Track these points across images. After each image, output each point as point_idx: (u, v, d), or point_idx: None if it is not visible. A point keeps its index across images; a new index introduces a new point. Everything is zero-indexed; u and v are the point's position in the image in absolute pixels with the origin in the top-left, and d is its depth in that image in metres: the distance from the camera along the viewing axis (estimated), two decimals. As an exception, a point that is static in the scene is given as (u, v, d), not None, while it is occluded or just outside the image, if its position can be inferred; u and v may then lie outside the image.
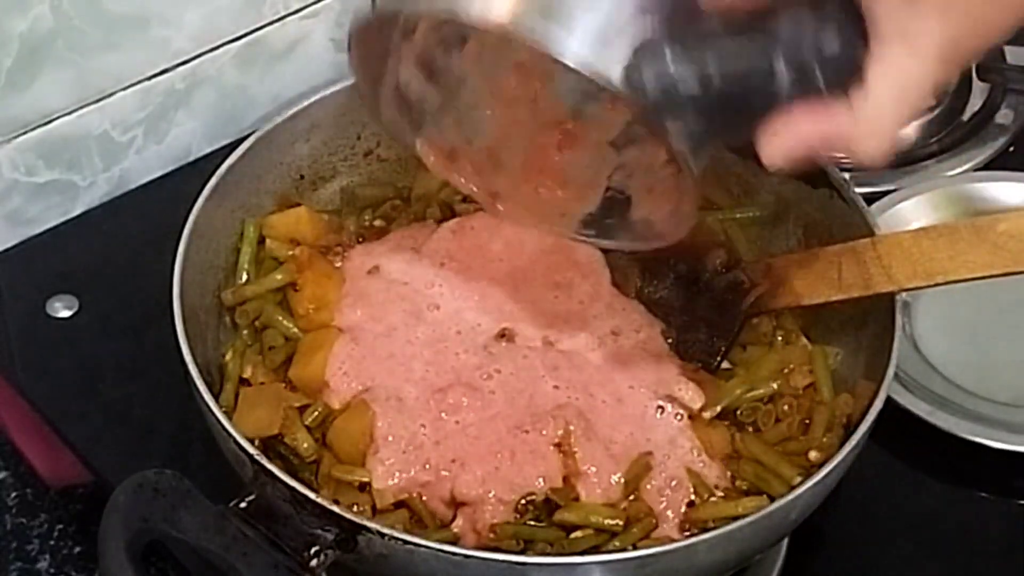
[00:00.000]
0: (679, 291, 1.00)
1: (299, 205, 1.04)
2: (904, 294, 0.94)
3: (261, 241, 1.02)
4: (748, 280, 0.98)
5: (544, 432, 0.92)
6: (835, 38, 0.72)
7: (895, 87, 0.71)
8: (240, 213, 1.01)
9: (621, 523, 0.89)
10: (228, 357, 0.97)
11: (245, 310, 0.99)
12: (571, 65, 0.75)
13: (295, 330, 0.98)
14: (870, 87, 0.71)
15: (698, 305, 0.99)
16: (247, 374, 0.96)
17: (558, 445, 0.91)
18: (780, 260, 0.98)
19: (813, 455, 0.92)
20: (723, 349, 0.98)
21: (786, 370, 0.97)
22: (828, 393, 0.96)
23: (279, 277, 0.99)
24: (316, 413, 0.94)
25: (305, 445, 0.92)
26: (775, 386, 0.96)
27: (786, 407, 0.95)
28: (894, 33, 0.70)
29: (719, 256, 1.00)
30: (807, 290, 0.96)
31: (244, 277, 1.00)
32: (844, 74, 0.73)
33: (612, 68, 0.75)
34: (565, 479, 0.91)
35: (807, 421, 0.95)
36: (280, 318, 0.98)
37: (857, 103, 0.72)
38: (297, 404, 0.94)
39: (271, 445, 0.92)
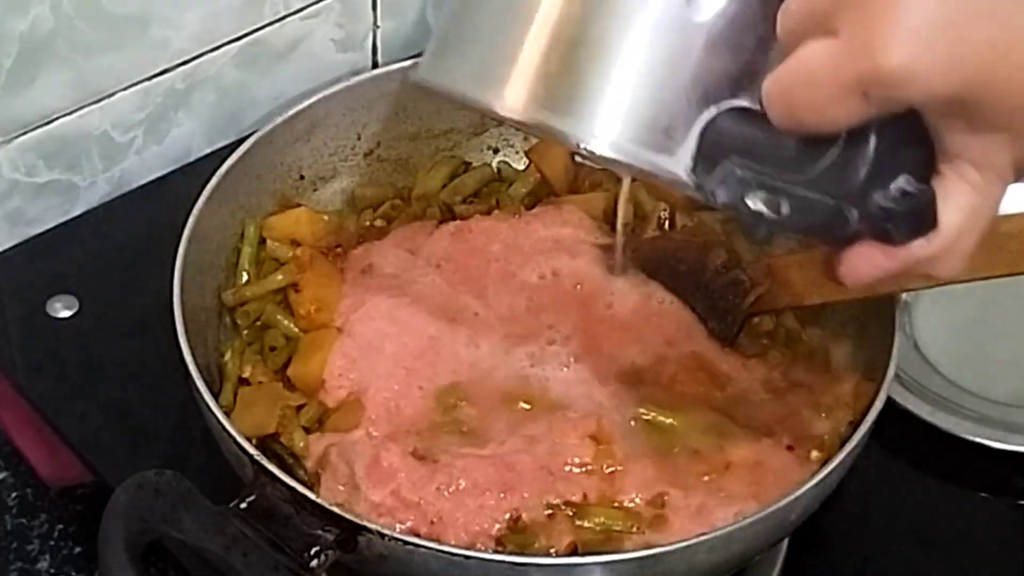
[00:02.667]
0: (680, 290, 1.00)
1: (299, 206, 1.04)
2: (904, 294, 0.94)
3: (262, 242, 1.02)
4: (748, 280, 0.98)
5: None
6: (910, 190, 0.69)
7: (967, 213, 0.70)
8: (240, 213, 1.01)
9: (634, 525, 0.89)
10: (228, 357, 0.97)
11: (246, 311, 0.99)
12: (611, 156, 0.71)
13: (296, 330, 0.98)
14: (944, 220, 0.71)
15: (698, 305, 0.99)
16: (246, 374, 0.96)
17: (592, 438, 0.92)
18: (780, 260, 0.98)
19: (813, 455, 0.92)
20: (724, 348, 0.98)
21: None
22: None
23: (280, 278, 0.99)
24: (311, 412, 0.94)
25: (301, 444, 0.92)
26: (775, 386, 0.97)
27: (786, 407, 0.96)
28: (965, 163, 0.69)
29: (719, 256, 1.00)
30: (807, 290, 0.96)
31: (244, 278, 1.00)
32: (918, 225, 0.70)
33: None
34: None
35: (807, 421, 0.95)
36: (281, 318, 0.98)
37: (932, 236, 0.71)
38: (295, 404, 0.94)
39: (268, 444, 0.92)
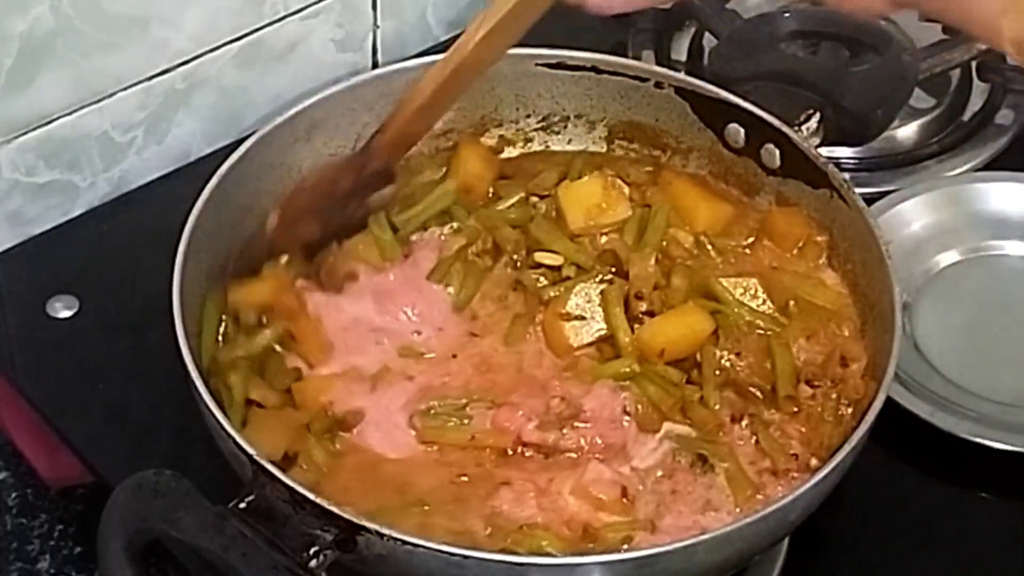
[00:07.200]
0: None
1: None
2: (904, 294, 0.94)
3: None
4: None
5: None
6: None
7: None
8: (241, 214, 1.01)
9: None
10: (232, 380, 0.94)
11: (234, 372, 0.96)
12: None
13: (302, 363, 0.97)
14: None
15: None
16: (253, 395, 0.94)
17: None
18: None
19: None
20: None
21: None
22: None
23: (269, 333, 0.97)
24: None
25: (320, 458, 0.91)
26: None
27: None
28: None
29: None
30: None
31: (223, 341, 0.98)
32: None
33: None
34: None
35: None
36: (284, 353, 0.97)
37: None
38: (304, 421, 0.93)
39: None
